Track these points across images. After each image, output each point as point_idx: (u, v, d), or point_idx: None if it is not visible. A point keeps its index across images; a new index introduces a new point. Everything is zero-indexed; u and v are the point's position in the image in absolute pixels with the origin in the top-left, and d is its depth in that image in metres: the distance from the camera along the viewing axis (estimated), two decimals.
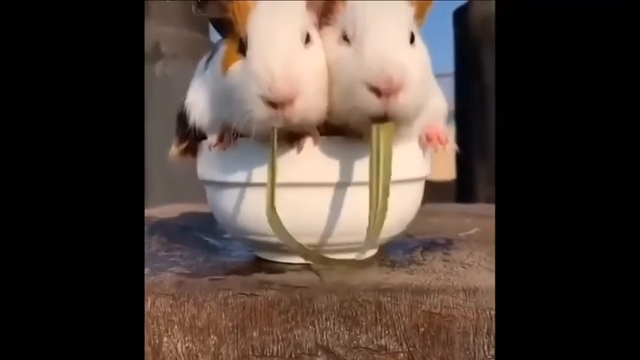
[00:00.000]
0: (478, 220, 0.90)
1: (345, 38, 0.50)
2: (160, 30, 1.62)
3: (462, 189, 1.74)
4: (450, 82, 1.87)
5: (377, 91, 0.45)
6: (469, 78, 1.65)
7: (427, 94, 0.50)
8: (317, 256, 0.53)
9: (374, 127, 0.48)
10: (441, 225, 0.85)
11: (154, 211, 1.09)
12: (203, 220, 0.91)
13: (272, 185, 0.49)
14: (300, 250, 0.51)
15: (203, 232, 0.80)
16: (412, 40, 0.49)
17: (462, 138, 1.74)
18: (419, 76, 0.47)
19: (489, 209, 1.04)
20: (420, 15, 0.52)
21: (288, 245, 0.51)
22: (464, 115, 1.70)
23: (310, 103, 0.47)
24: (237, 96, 0.48)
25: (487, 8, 1.57)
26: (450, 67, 1.86)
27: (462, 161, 1.73)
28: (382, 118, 0.47)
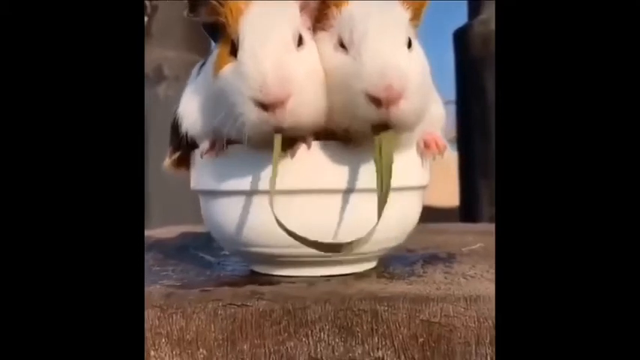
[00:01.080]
0: (481, 237, 0.87)
1: (342, 45, 0.49)
2: (163, 53, 1.64)
3: (465, 210, 1.71)
4: (452, 109, 1.86)
5: (377, 101, 0.44)
6: (471, 98, 1.64)
7: (427, 99, 0.49)
8: (327, 245, 0.49)
9: (376, 138, 0.46)
10: (444, 241, 0.82)
11: (152, 232, 1.07)
12: (201, 239, 0.89)
13: (273, 188, 0.47)
14: (314, 244, 0.48)
15: (200, 249, 0.78)
16: (410, 45, 0.48)
17: (464, 159, 1.72)
18: (419, 82, 0.46)
19: (493, 228, 1.01)
20: (415, 16, 0.51)
21: (301, 241, 0.48)
22: (466, 137, 1.68)
23: (302, 105, 0.46)
24: (227, 98, 0.47)
25: (487, 28, 1.57)
26: (451, 94, 1.87)
27: (465, 183, 1.71)
28: (383, 127, 0.46)
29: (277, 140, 0.47)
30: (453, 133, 1.82)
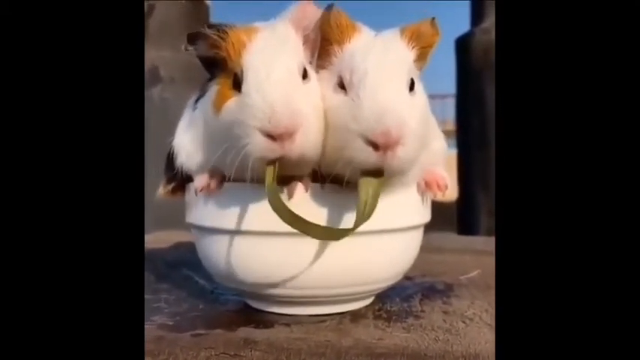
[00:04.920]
0: (479, 257, 0.87)
1: (342, 85, 0.47)
2: (159, 54, 1.61)
3: (462, 219, 1.70)
4: (451, 103, 1.84)
5: (374, 145, 0.43)
6: (470, 107, 1.63)
7: (426, 142, 0.48)
8: (315, 228, 0.46)
9: (363, 181, 0.45)
10: (442, 264, 0.81)
11: (146, 239, 1.05)
12: (195, 253, 0.88)
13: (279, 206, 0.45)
14: (299, 224, 0.45)
15: (194, 269, 0.77)
16: (412, 86, 0.47)
17: (463, 168, 1.71)
18: (418, 127, 0.45)
19: (491, 243, 1.00)
20: (421, 57, 0.49)
21: (283, 218, 0.45)
22: (464, 144, 1.67)
23: (309, 138, 0.45)
24: (232, 133, 0.45)
25: (489, 37, 1.55)
26: (451, 87, 1.84)
27: (463, 194, 1.69)
28: (377, 172, 0.44)
29: (269, 171, 0.45)
30: (451, 126, 1.81)
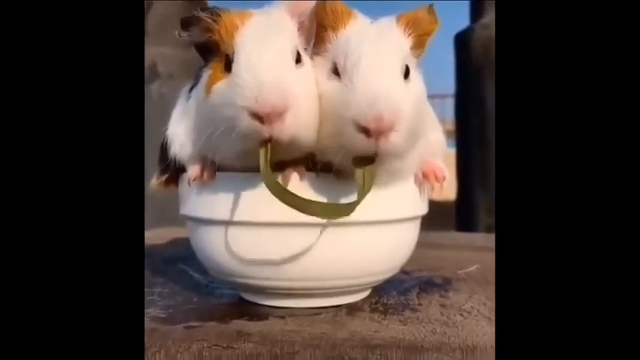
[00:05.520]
0: (478, 253, 0.86)
1: (336, 71, 0.46)
2: (158, 50, 1.60)
3: (461, 216, 1.69)
4: (451, 102, 1.83)
5: (366, 131, 0.42)
6: (470, 103, 1.62)
7: (421, 131, 0.47)
8: (316, 205, 0.46)
9: (358, 171, 0.44)
10: (440, 259, 0.81)
11: (145, 235, 1.04)
12: (191, 249, 0.87)
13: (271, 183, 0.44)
14: (298, 203, 0.44)
15: (189, 263, 0.76)
16: (407, 74, 0.46)
17: (462, 165, 1.70)
18: (412, 114, 0.44)
19: (490, 240, 1.00)
20: (418, 45, 0.48)
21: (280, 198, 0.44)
22: (464, 141, 1.66)
23: (300, 120, 0.43)
24: (221, 114, 0.44)
25: (489, 33, 1.54)
26: (450, 87, 1.84)
27: (462, 192, 1.68)
28: (370, 159, 0.43)
29: (262, 154, 0.43)
30: (450, 125, 1.80)
